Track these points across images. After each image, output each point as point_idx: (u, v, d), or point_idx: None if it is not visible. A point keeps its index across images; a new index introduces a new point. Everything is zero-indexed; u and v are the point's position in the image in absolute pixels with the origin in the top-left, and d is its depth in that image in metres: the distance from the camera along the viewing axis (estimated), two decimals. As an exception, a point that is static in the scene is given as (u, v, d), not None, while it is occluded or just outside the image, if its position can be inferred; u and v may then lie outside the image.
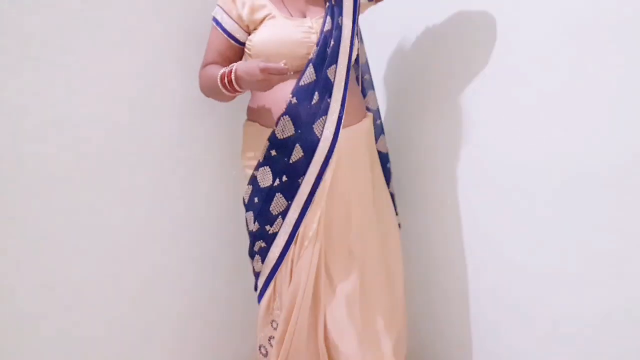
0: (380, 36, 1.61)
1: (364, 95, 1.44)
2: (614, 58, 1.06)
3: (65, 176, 1.21)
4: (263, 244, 1.30)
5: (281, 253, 1.29)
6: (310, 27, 1.23)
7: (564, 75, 1.16)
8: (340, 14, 1.22)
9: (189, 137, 1.45)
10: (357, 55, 1.37)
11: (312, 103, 1.20)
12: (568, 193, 1.19)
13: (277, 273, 1.30)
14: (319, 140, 1.21)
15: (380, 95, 1.63)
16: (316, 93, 1.21)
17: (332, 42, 1.21)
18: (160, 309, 1.47)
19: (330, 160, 1.23)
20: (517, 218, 1.31)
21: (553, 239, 1.24)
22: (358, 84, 1.42)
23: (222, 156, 1.53)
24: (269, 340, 1.37)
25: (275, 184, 1.25)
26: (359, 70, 1.43)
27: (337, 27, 1.22)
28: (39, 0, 1.10)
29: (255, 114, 1.30)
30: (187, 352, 1.57)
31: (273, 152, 1.23)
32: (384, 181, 1.45)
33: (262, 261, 1.32)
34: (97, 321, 1.33)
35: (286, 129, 1.21)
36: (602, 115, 1.10)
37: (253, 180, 1.29)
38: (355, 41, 1.27)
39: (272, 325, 1.36)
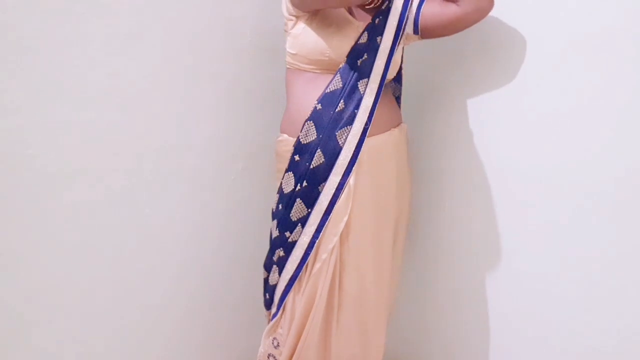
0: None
1: None
2: (630, 66, 1.09)
3: (67, 179, 1.20)
4: (282, 253, 1.26)
5: (298, 265, 1.25)
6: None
7: (580, 84, 1.18)
8: (381, 34, 1.22)
9: (190, 141, 1.44)
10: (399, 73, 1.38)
11: (336, 110, 1.20)
12: (584, 203, 1.19)
13: (291, 288, 1.26)
14: (341, 148, 1.20)
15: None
16: (341, 101, 1.20)
17: (365, 56, 1.21)
18: (161, 314, 1.44)
19: (352, 171, 1.21)
20: (531, 227, 1.31)
21: (567, 249, 1.23)
22: (394, 96, 1.40)
23: (225, 161, 1.52)
24: (268, 357, 1.33)
25: (297, 189, 1.23)
26: (393, 84, 1.41)
27: (374, 45, 1.21)
28: (38, 2, 1.10)
29: (285, 126, 1.31)
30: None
31: (297, 158, 1.22)
32: (409, 194, 1.40)
33: (280, 273, 1.27)
34: (97, 324, 1.30)
35: (309, 134, 1.21)
36: (619, 125, 1.11)
37: (280, 188, 1.28)
38: (393, 62, 1.25)
39: (272, 343, 1.31)
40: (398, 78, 1.43)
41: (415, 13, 1.23)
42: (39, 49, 1.10)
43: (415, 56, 1.58)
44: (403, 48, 1.38)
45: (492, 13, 1.27)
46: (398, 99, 1.45)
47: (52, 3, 1.10)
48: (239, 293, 1.61)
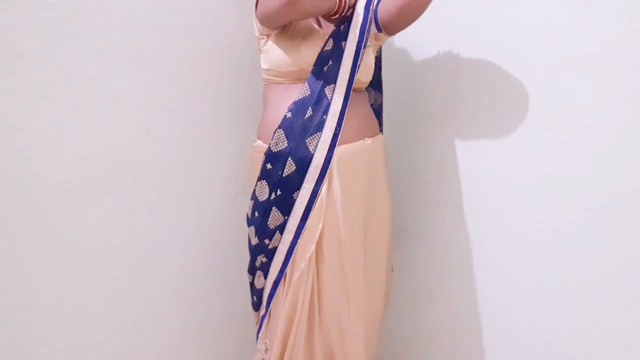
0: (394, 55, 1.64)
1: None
2: (617, 83, 1.08)
3: (69, 194, 1.25)
4: (264, 259, 1.31)
5: (280, 270, 1.29)
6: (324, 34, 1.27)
7: (568, 99, 1.17)
8: (345, 39, 1.24)
9: (193, 160, 1.50)
10: (374, 78, 1.39)
11: (305, 117, 1.23)
12: (571, 217, 1.19)
13: (276, 291, 1.30)
14: (312, 156, 1.22)
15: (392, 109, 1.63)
16: (310, 108, 1.23)
17: (330, 63, 1.24)
18: (160, 324, 1.50)
19: (325, 178, 1.23)
20: (519, 241, 1.31)
21: (557, 255, 1.23)
22: (375, 105, 1.42)
23: (227, 178, 1.58)
24: None
25: (272, 197, 1.27)
26: (373, 92, 1.44)
27: (339, 51, 1.24)
28: (41, 22, 1.14)
29: (260, 133, 1.35)
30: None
31: (268, 166, 1.26)
32: (387, 205, 1.40)
33: (265, 277, 1.32)
34: (96, 333, 1.36)
35: (279, 142, 1.25)
36: (608, 139, 1.10)
37: (254, 195, 1.32)
38: (360, 67, 1.25)
39: (264, 348, 1.35)
40: (378, 86, 1.46)
41: (374, 12, 1.26)
42: (39, 69, 1.15)
43: (401, 68, 1.62)
44: (380, 51, 1.41)
45: (481, 27, 1.32)
46: (380, 108, 1.47)
47: (53, 23, 1.15)
48: (238, 301, 1.66)
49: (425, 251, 1.61)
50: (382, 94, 1.48)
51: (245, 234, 1.59)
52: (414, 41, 1.57)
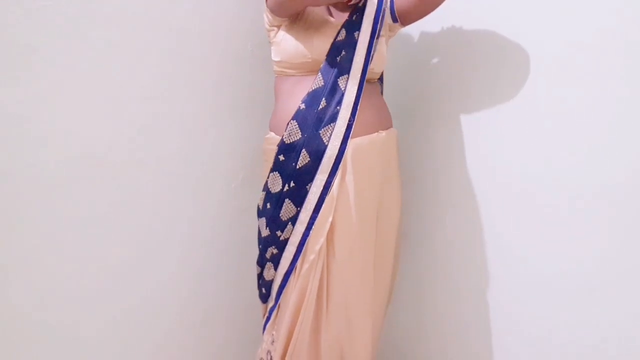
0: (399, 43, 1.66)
1: None
2: (624, 71, 1.10)
3: (67, 188, 1.22)
4: (275, 250, 1.31)
5: (291, 262, 1.29)
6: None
7: (577, 84, 1.18)
8: (358, 29, 1.25)
9: (193, 153, 1.48)
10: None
11: (319, 108, 1.22)
12: (581, 203, 1.20)
13: (287, 282, 1.30)
14: (326, 147, 1.22)
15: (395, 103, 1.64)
16: (323, 99, 1.23)
17: (343, 53, 1.23)
18: (160, 317, 1.49)
19: (338, 170, 1.23)
20: (528, 228, 1.32)
21: (565, 250, 1.24)
22: (381, 96, 1.44)
23: (227, 171, 1.58)
24: (267, 354, 1.36)
25: (285, 189, 1.26)
26: (381, 85, 1.46)
27: (352, 41, 1.24)
28: (42, 18, 1.13)
29: (273, 124, 1.34)
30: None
31: (281, 157, 1.26)
32: (398, 199, 1.42)
33: (275, 268, 1.32)
34: (95, 328, 1.33)
35: (293, 133, 1.24)
36: (614, 130, 1.12)
37: (265, 187, 1.31)
38: (374, 57, 1.26)
39: (270, 340, 1.35)
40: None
41: (390, 2, 1.28)
42: (39, 65, 1.13)
43: (408, 60, 1.63)
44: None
45: (487, 18, 1.33)
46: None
47: (53, 19, 1.13)
48: (238, 294, 1.66)
49: (429, 246, 1.63)
50: (382, 84, 1.48)
51: (246, 226, 1.61)
52: (416, 31, 1.59)
